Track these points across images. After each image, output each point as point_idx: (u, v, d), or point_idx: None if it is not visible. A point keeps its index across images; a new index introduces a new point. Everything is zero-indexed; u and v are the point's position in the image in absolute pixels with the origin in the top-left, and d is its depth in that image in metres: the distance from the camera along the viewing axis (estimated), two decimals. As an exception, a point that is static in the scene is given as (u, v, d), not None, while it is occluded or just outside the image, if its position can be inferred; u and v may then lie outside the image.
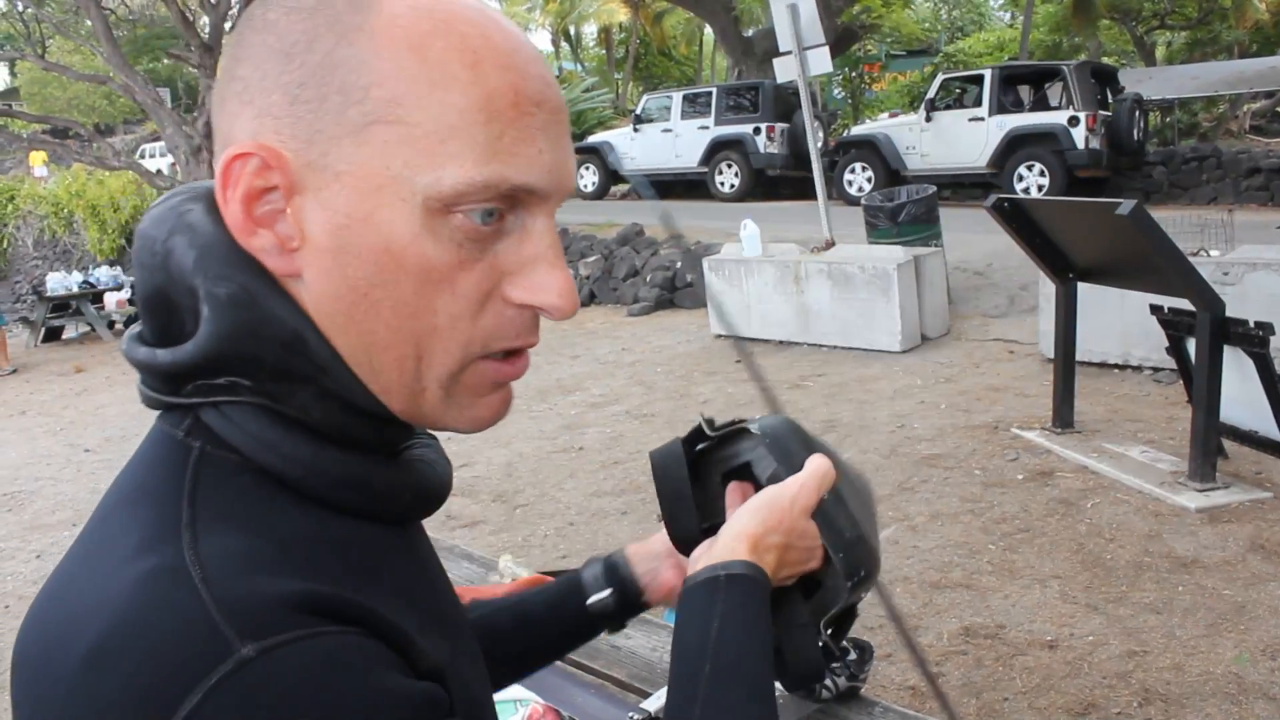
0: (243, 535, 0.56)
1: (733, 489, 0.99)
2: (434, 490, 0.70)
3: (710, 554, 0.85)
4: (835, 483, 0.91)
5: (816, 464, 0.90)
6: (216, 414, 0.61)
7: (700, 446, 1.02)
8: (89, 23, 15.38)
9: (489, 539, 4.83)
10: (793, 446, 0.93)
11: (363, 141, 0.58)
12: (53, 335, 14.08)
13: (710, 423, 1.01)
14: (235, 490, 0.60)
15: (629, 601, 1.05)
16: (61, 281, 13.98)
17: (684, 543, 0.97)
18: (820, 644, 0.94)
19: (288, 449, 0.61)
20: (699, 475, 1.02)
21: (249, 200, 0.59)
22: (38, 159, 23.24)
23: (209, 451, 0.61)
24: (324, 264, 0.60)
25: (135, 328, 0.66)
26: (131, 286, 13.37)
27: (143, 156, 25.96)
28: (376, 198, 0.58)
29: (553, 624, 1.05)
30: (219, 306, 0.60)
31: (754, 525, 0.85)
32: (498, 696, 0.95)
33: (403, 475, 0.67)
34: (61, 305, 13.82)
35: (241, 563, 0.54)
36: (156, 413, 0.65)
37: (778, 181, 16.46)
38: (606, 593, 1.05)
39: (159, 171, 20.09)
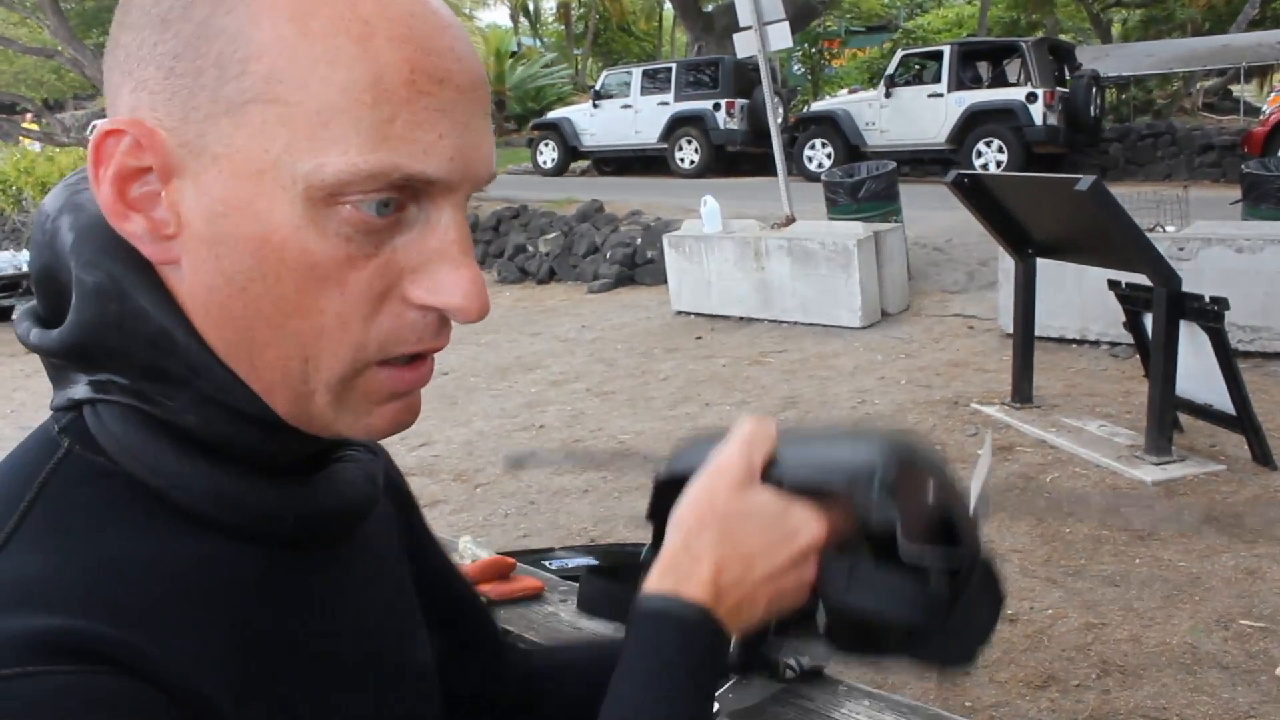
0: (51, 556, 0.52)
1: None
2: (325, 515, 0.63)
3: None
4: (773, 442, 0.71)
5: (739, 430, 0.70)
6: (92, 412, 0.57)
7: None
8: (34, -5, 15.05)
9: (449, 519, 4.79)
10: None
11: (240, 122, 0.52)
12: (2, 315, 13.80)
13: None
14: (84, 498, 0.56)
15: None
16: (10, 260, 13.68)
17: None
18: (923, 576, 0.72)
19: (151, 456, 0.56)
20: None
21: (121, 181, 0.55)
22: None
23: (76, 453, 0.57)
24: (200, 254, 0.54)
25: (31, 303, 0.62)
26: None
27: (93, 132, 25.60)
28: (255, 184, 0.52)
29: None
30: (84, 295, 0.56)
31: (671, 544, 0.67)
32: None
33: (285, 496, 0.61)
34: (10, 284, 13.53)
35: (13, 593, 0.50)
36: None
37: (738, 157, 16.44)
38: None
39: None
